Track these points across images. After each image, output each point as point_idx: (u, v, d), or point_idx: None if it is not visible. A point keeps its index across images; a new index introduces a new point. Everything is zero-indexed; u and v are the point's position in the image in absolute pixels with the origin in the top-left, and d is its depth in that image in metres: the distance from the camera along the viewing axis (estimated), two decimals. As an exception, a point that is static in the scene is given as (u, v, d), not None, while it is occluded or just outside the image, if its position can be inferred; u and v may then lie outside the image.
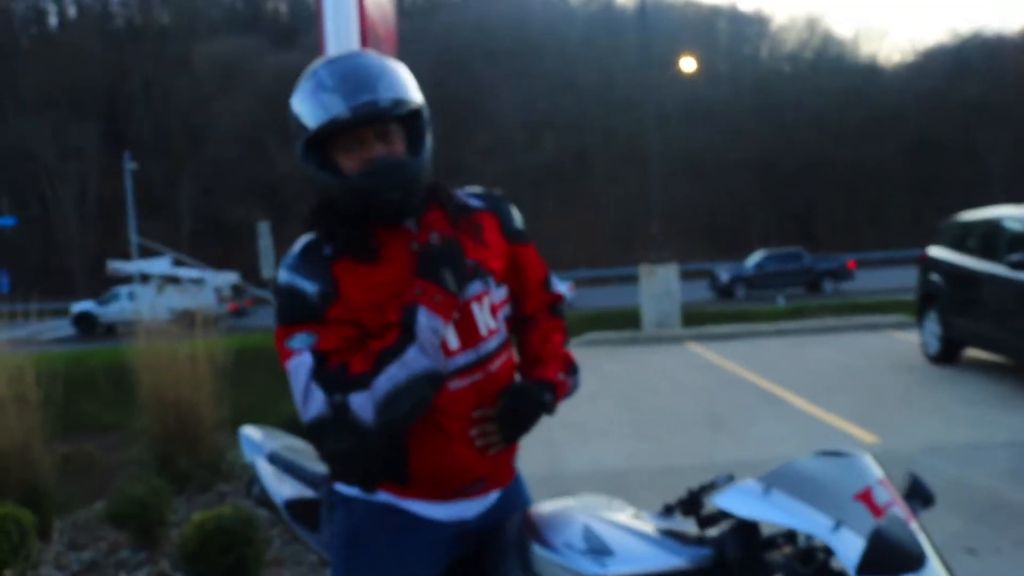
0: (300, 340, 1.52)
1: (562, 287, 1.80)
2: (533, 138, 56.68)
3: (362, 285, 1.55)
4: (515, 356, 1.78)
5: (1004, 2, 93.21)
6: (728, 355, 10.82)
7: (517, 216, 1.80)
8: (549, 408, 1.67)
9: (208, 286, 28.84)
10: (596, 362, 10.58)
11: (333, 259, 1.56)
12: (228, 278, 30.41)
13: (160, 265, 29.96)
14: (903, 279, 23.91)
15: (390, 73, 1.55)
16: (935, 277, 9.21)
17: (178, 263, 30.55)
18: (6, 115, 55.46)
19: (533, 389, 1.65)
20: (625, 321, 14.21)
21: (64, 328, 29.04)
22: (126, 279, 30.52)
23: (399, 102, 1.52)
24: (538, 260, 1.82)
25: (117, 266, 30.83)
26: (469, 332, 1.63)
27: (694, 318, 14.53)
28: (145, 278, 29.66)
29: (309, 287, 1.53)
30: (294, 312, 1.53)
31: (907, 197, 57.08)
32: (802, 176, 57.81)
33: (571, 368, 1.76)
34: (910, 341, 10.70)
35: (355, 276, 1.55)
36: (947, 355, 8.97)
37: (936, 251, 9.39)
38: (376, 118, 1.52)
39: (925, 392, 7.66)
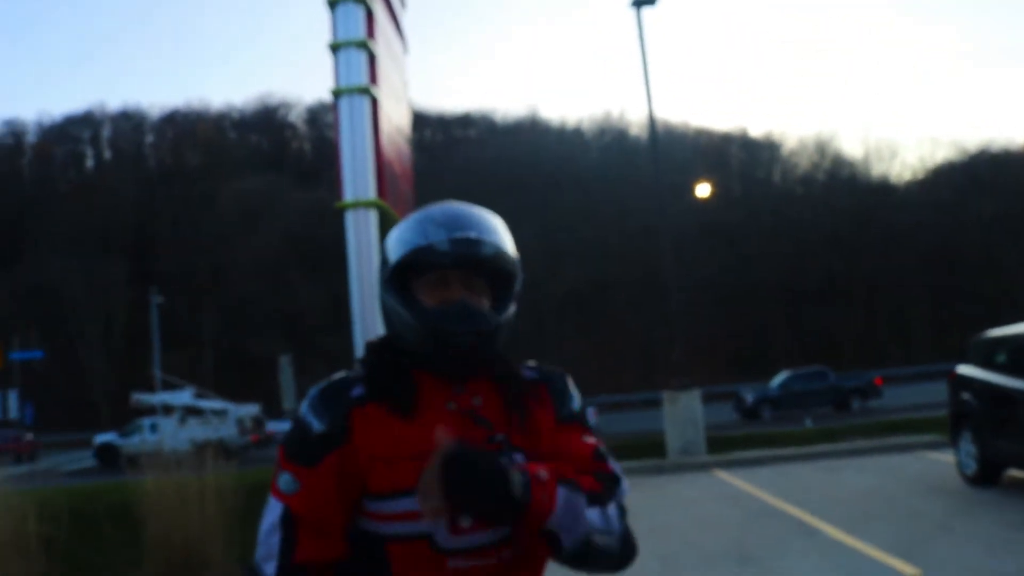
0: (284, 482, 1.43)
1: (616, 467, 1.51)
2: (553, 267, 57.27)
3: (383, 436, 1.42)
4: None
5: (1009, 118, 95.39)
6: (757, 482, 10.46)
7: (575, 395, 1.60)
8: (512, 487, 1.28)
9: (230, 417, 28.75)
10: (620, 491, 10.24)
11: (360, 402, 1.45)
12: (249, 410, 30.30)
13: (182, 397, 29.99)
14: (931, 394, 23.45)
15: (501, 231, 1.51)
16: (967, 396, 8.96)
17: (199, 395, 30.57)
18: (40, 252, 57.06)
19: (489, 454, 1.35)
20: (649, 449, 13.87)
21: (87, 460, 28.89)
22: (150, 410, 30.53)
23: (500, 255, 1.48)
24: (581, 443, 1.52)
25: (141, 398, 30.91)
26: None
27: (720, 444, 14.16)
28: (168, 410, 29.67)
29: (316, 425, 1.43)
30: (293, 446, 1.45)
31: (929, 312, 56.73)
32: (822, 295, 57.77)
33: (574, 486, 1.36)
34: (945, 461, 10.31)
35: (378, 425, 1.43)
36: (986, 476, 8.61)
37: (966, 369, 9.18)
38: (470, 260, 1.46)
39: (966, 517, 7.30)
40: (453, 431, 1.39)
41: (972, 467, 8.77)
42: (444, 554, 1.40)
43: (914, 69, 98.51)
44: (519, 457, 1.43)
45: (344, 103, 6.66)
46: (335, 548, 1.42)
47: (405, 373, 1.48)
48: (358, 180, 6.73)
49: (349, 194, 6.59)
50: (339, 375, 1.52)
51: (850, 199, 62.09)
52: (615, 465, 1.52)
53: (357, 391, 1.47)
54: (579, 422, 1.57)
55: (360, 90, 6.57)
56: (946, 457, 10.44)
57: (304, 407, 1.47)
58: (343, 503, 1.42)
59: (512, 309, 1.52)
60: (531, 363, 1.64)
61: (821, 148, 71.22)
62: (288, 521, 1.40)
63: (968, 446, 8.85)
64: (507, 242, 1.50)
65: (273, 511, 1.43)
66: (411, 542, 1.40)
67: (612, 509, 1.41)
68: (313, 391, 1.49)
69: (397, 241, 1.50)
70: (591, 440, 1.54)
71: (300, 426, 1.46)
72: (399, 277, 1.50)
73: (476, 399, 1.48)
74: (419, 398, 1.46)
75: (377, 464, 1.41)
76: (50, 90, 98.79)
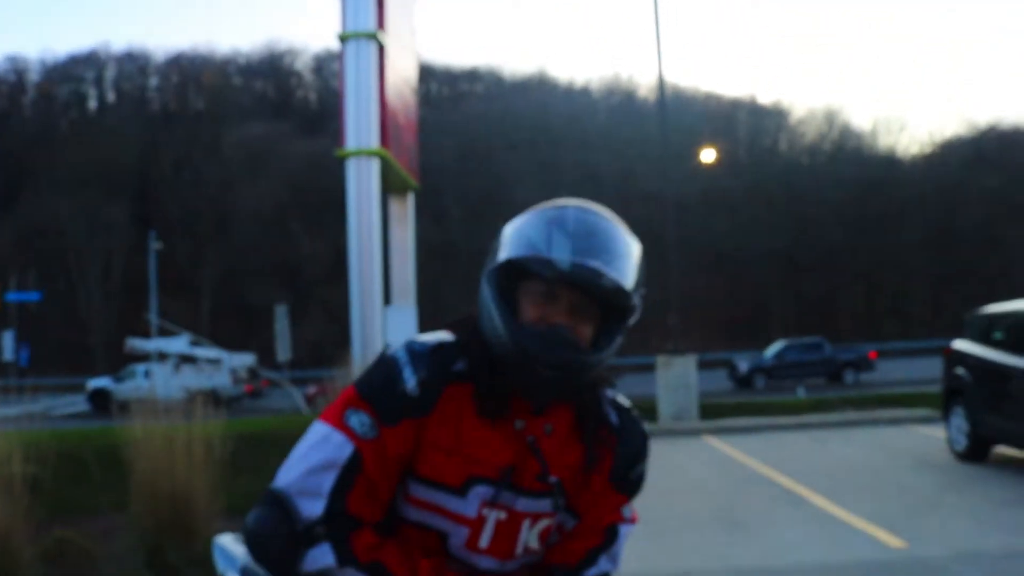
0: (361, 423, 1.30)
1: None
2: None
3: (451, 425, 1.34)
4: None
5: (1020, 95, 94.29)
6: (747, 450, 10.50)
7: (643, 465, 1.53)
8: None
9: (224, 367, 28.85)
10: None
11: (457, 378, 1.36)
12: (244, 359, 30.40)
13: (178, 344, 30.04)
14: (925, 370, 23.50)
15: (631, 262, 1.34)
16: (961, 371, 8.95)
17: (195, 343, 30.63)
18: (40, 193, 56.77)
19: None
20: (641, 413, 13.85)
21: (79, 404, 29.02)
22: (144, 357, 30.60)
23: (620, 293, 1.31)
24: (608, 512, 1.48)
25: (136, 344, 30.96)
26: (505, 542, 1.39)
27: (712, 410, 14.22)
28: (163, 356, 29.74)
29: (409, 384, 1.32)
30: (375, 391, 1.33)
31: (928, 287, 56.74)
32: (822, 266, 57.71)
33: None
34: (936, 437, 10.35)
35: (454, 411, 1.35)
36: (975, 453, 8.65)
37: (961, 344, 9.16)
38: (586, 288, 1.31)
39: (954, 492, 7.33)
40: (507, 456, 1.36)
41: (962, 443, 8.79)
42: (451, 556, 1.37)
43: (930, 42, 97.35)
44: (561, 502, 1.41)
45: (350, 48, 6.52)
46: (376, 515, 1.33)
47: (506, 381, 1.36)
48: (361, 128, 6.62)
49: (352, 142, 6.49)
50: (446, 338, 1.40)
51: (855, 171, 61.66)
52: (617, 549, 1.48)
53: (459, 366, 1.37)
54: (626, 493, 1.50)
55: (367, 35, 6.44)
56: (937, 432, 10.47)
57: (403, 355, 1.35)
58: (399, 474, 1.34)
59: (614, 345, 1.38)
60: (621, 400, 1.55)
61: (829, 118, 70.63)
62: (353, 466, 1.29)
63: (960, 421, 8.87)
64: (631, 273, 1.34)
65: (337, 448, 1.29)
66: (427, 532, 1.36)
67: None
68: (420, 343, 1.37)
69: (518, 235, 1.36)
70: (624, 514, 1.50)
71: (388, 372, 1.34)
72: (506, 271, 1.35)
73: (548, 426, 1.40)
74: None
75: (429, 449, 1.33)
76: (54, 27, 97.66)
